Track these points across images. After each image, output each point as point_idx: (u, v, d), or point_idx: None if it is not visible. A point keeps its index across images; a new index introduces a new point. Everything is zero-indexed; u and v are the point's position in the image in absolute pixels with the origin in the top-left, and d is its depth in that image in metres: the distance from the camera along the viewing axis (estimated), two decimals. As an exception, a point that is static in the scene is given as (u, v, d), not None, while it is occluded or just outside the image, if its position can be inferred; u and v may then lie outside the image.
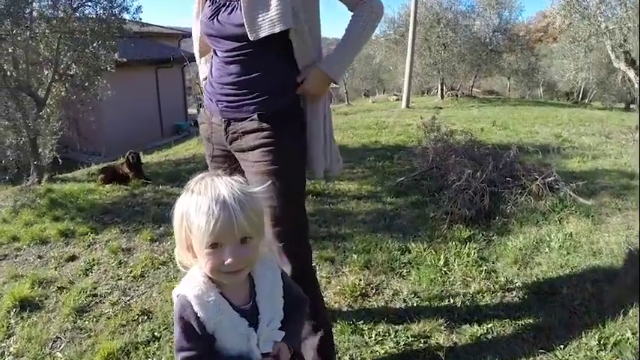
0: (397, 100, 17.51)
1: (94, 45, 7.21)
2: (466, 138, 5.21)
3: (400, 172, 5.07)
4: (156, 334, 2.41)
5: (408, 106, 13.88)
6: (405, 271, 2.89)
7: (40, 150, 6.95)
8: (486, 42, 17.56)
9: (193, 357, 1.11)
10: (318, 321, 1.84)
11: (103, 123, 12.78)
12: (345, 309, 2.51)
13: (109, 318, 2.61)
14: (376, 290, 2.68)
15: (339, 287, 2.69)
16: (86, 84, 7.43)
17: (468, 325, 2.33)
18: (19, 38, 6.23)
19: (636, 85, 8.57)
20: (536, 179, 4.09)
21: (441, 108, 13.24)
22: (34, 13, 6.52)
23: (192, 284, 1.13)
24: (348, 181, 4.86)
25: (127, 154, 5.55)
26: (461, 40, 16.96)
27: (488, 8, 17.43)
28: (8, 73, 6.23)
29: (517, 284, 2.71)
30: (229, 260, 1.06)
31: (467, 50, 17.07)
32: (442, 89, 17.47)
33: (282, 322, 1.23)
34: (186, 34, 18.75)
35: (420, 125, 5.53)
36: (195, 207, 1.05)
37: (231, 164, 1.77)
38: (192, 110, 18.46)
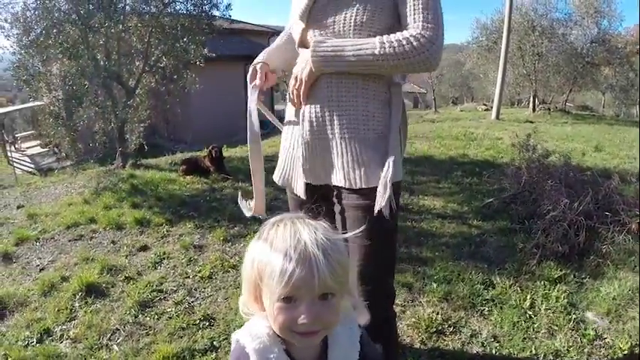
0: (486, 110, 16.70)
1: (184, 40, 7.44)
2: (562, 161, 4.73)
3: (489, 191, 4.72)
4: (215, 343, 2.32)
5: (497, 117, 13.14)
6: (486, 309, 2.60)
7: (126, 137, 7.28)
8: (583, 53, 16.18)
9: None
10: None
11: (190, 114, 13.31)
12: (417, 345, 2.29)
13: (170, 317, 2.58)
14: (454, 328, 2.42)
15: (413, 319, 2.47)
16: (175, 76, 7.70)
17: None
18: (112, 31, 6.52)
19: None
20: (637, 215, 3.60)
21: (532, 122, 12.43)
22: (127, 8, 6.81)
23: (253, 334, 0.95)
24: (433, 197, 4.59)
25: (210, 148, 5.60)
26: (557, 50, 15.80)
27: (586, 16, 16.01)
28: (101, 63, 6.56)
29: (607, 340, 2.36)
30: (304, 319, 0.86)
31: (563, 61, 15.87)
32: (534, 102, 16.43)
33: None
34: (276, 32, 19.05)
35: (516, 144, 5.12)
36: (269, 252, 0.88)
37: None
38: (278, 107, 18.69)
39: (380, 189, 1.39)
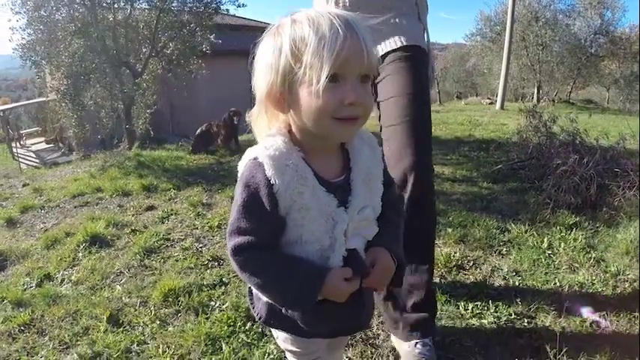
0: (490, 103, 16.57)
1: (191, 25, 7.43)
2: (570, 126, 4.68)
3: (496, 162, 4.63)
4: (224, 279, 2.26)
5: (502, 107, 13.04)
6: (504, 249, 2.54)
7: (133, 120, 7.28)
8: (587, 44, 16.18)
9: (251, 245, 0.82)
10: (428, 254, 1.64)
11: (195, 108, 13.30)
12: (437, 279, 2.21)
13: (177, 260, 2.52)
14: (473, 264, 2.36)
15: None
16: (182, 61, 7.70)
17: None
18: (119, 17, 6.51)
19: None
20: (645, 178, 3.55)
21: (537, 111, 12.36)
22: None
23: (267, 145, 0.83)
24: (441, 165, 4.52)
25: (229, 111, 5.55)
26: (560, 41, 15.78)
27: (589, 7, 16.00)
28: (108, 48, 6.55)
29: (630, 276, 2.29)
30: (352, 97, 0.77)
31: (566, 52, 15.84)
32: (538, 93, 16.35)
33: (378, 220, 0.93)
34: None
35: (523, 108, 5.06)
36: (309, 27, 0.76)
37: None
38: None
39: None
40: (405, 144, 1.48)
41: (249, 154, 0.85)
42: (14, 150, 13.66)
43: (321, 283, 0.84)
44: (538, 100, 15.95)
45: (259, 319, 0.97)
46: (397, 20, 1.61)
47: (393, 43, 1.58)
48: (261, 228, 0.82)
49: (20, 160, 12.54)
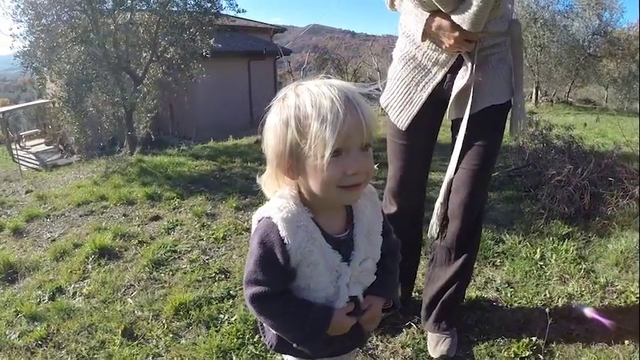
0: (489, 104, 16.71)
1: (191, 30, 7.50)
2: (565, 134, 4.78)
3: (494, 168, 4.73)
4: (231, 292, 2.36)
5: (500, 109, 13.17)
6: (498, 260, 2.64)
7: (134, 124, 7.35)
8: (585, 45, 16.27)
9: (267, 295, 0.93)
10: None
11: (195, 109, 13.37)
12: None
13: (185, 273, 2.61)
14: (467, 276, 2.46)
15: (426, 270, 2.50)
16: (182, 66, 7.77)
17: (565, 321, 2.07)
18: (119, 22, 6.57)
19: None
20: (639, 184, 3.65)
21: (534, 113, 12.48)
22: (136, -4, 6.88)
23: (279, 207, 0.92)
24: (439, 172, 4.59)
25: None
26: (558, 42, 15.88)
27: (587, 8, 16.07)
28: (111, 51, 6.62)
29: (618, 287, 2.39)
30: (354, 168, 0.85)
31: (565, 52, 15.94)
32: (537, 94, 16.45)
33: (377, 267, 1.03)
34: (279, 30, 19.65)
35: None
36: (311, 106, 0.82)
37: None
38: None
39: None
40: (466, 184, 1.80)
41: (264, 211, 0.95)
42: (14, 152, 13.74)
43: (329, 324, 0.96)
44: (536, 101, 16.08)
45: (270, 346, 1.08)
46: (494, 70, 1.69)
47: (487, 101, 1.70)
48: (275, 279, 0.93)
49: (20, 162, 12.61)
